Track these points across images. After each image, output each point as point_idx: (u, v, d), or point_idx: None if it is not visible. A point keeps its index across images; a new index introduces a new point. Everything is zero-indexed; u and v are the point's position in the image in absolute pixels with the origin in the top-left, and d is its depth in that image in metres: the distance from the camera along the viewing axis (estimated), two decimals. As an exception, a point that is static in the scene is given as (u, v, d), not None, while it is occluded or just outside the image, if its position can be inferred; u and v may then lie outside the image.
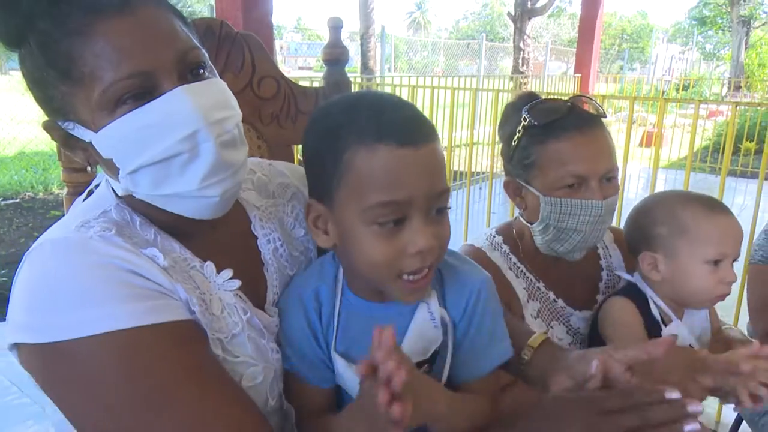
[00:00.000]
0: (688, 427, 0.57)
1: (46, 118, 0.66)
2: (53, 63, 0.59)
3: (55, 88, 0.61)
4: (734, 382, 0.82)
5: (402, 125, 0.64)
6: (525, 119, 1.02)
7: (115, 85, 0.59)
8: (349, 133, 0.64)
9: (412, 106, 0.69)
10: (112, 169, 0.64)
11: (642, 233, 1.03)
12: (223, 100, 0.66)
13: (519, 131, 1.03)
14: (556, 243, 1.04)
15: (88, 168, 0.69)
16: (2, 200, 5.20)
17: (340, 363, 0.72)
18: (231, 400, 0.62)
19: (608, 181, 1.00)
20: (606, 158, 0.99)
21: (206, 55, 0.67)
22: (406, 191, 0.63)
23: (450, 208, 0.70)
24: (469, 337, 0.76)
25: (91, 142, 0.62)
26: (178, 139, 0.61)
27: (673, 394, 0.59)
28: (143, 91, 0.60)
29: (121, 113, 0.60)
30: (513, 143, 1.04)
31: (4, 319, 0.62)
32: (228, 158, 0.64)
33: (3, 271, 3.38)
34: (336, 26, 1.05)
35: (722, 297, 0.96)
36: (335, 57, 1.08)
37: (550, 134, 1.00)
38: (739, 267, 1.45)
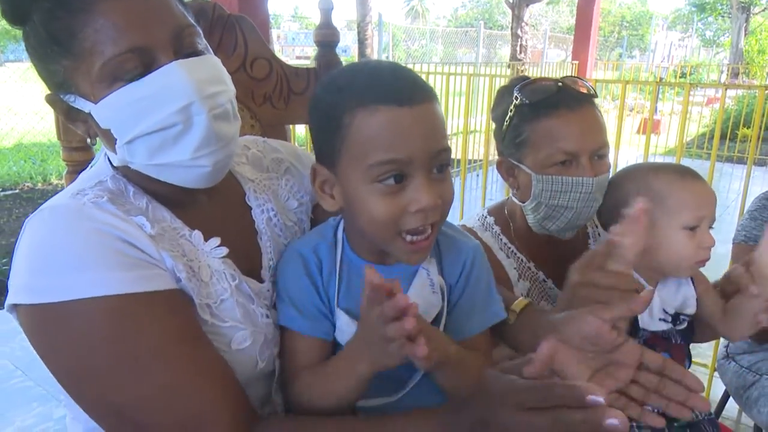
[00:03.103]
0: None
1: (49, 92, 0.69)
2: (56, 39, 0.62)
3: (58, 62, 0.64)
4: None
5: (400, 86, 0.66)
6: (517, 98, 1.04)
7: (114, 59, 0.62)
8: (350, 96, 0.66)
9: (410, 70, 0.70)
10: (110, 140, 0.67)
11: (616, 206, 1.03)
12: (217, 76, 0.69)
13: (511, 110, 1.05)
14: (548, 221, 1.05)
15: (88, 140, 0.72)
16: (1, 191, 5.22)
17: (343, 318, 0.74)
18: (210, 370, 0.65)
19: (599, 159, 1.01)
20: (596, 135, 1.00)
21: (201, 32, 0.70)
22: (405, 150, 0.65)
23: (450, 166, 0.71)
24: (465, 298, 0.79)
25: (90, 113, 0.65)
26: (172, 111, 0.64)
27: (595, 398, 0.50)
28: (141, 66, 0.63)
29: (119, 86, 0.63)
30: (505, 123, 1.06)
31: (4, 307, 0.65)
32: (220, 131, 0.67)
33: (4, 260, 3.41)
34: (327, 8, 1.07)
35: (702, 263, 0.97)
36: (327, 38, 1.10)
37: (541, 112, 1.01)
38: (729, 249, 1.49)
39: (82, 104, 0.65)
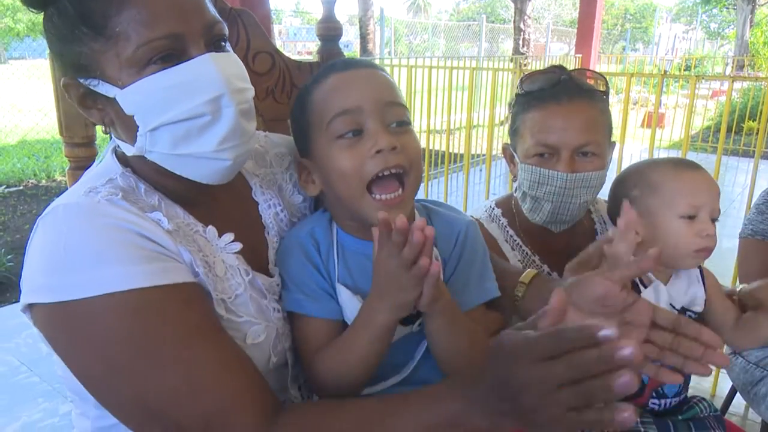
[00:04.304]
0: (619, 380, 0.46)
1: (65, 79, 0.68)
2: (88, 20, 0.62)
3: (85, 44, 0.63)
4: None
5: (347, 60, 0.79)
6: (518, 87, 1.06)
7: (149, 44, 0.62)
8: (311, 85, 0.78)
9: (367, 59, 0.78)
10: (131, 128, 0.67)
11: (618, 200, 1.04)
12: (244, 73, 0.70)
13: (513, 99, 1.08)
14: (532, 213, 1.06)
15: (103, 128, 0.72)
16: (6, 188, 5.23)
17: (344, 293, 0.76)
18: (233, 360, 0.65)
19: (583, 156, 1.00)
20: (581, 132, 0.98)
21: (227, 30, 0.71)
22: (354, 99, 0.73)
23: (410, 123, 0.77)
24: (459, 272, 0.80)
25: (115, 98, 0.65)
26: (203, 101, 0.65)
27: (606, 332, 0.48)
28: (172, 53, 0.64)
29: (150, 72, 0.63)
30: (511, 111, 1.09)
31: (14, 302, 0.64)
32: (244, 126, 0.68)
33: (9, 257, 3.42)
34: (329, 1, 1.06)
35: (703, 252, 0.96)
36: (329, 32, 1.09)
37: (532, 103, 1.02)
38: (734, 244, 1.47)
39: (107, 89, 0.65)
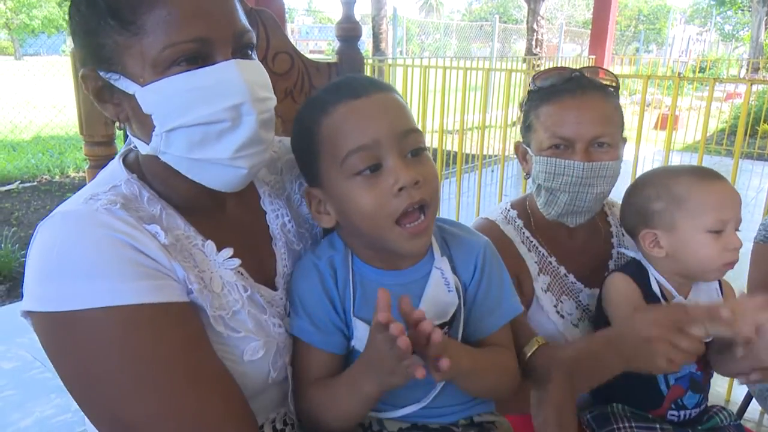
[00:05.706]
0: None
1: (83, 69, 0.67)
2: (116, 13, 0.61)
3: (109, 37, 0.63)
4: (725, 331, 0.77)
5: (354, 84, 0.73)
6: (530, 84, 1.07)
7: (177, 45, 0.62)
8: (314, 111, 0.73)
9: (366, 75, 0.74)
10: (146, 126, 0.66)
11: (638, 212, 1.02)
12: (267, 82, 0.70)
13: (526, 96, 1.09)
14: (548, 206, 1.06)
15: (117, 124, 0.71)
16: (20, 183, 5.28)
17: (361, 327, 0.74)
18: (216, 386, 0.64)
19: (599, 147, 1.01)
20: (595, 124, 0.99)
21: (255, 39, 0.70)
22: (370, 133, 0.68)
23: (426, 148, 0.73)
24: (481, 295, 0.79)
25: (134, 95, 0.64)
26: (225, 107, 0.64)
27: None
28: (198, 57, 0.63)
29: (173, 73, 0.63)
30: (523, 108, 1.10)
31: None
32: (263, 136, 0.68)
33: (22, 252, 3.46)
34: (348, 2, 1.05)
35: (730, 265, 0.95)
36: (348, 33, 1.09)
37: (545, 98, 1.03)
38: (747, 248, 1.45)
39: (127, 85, 0.64)
